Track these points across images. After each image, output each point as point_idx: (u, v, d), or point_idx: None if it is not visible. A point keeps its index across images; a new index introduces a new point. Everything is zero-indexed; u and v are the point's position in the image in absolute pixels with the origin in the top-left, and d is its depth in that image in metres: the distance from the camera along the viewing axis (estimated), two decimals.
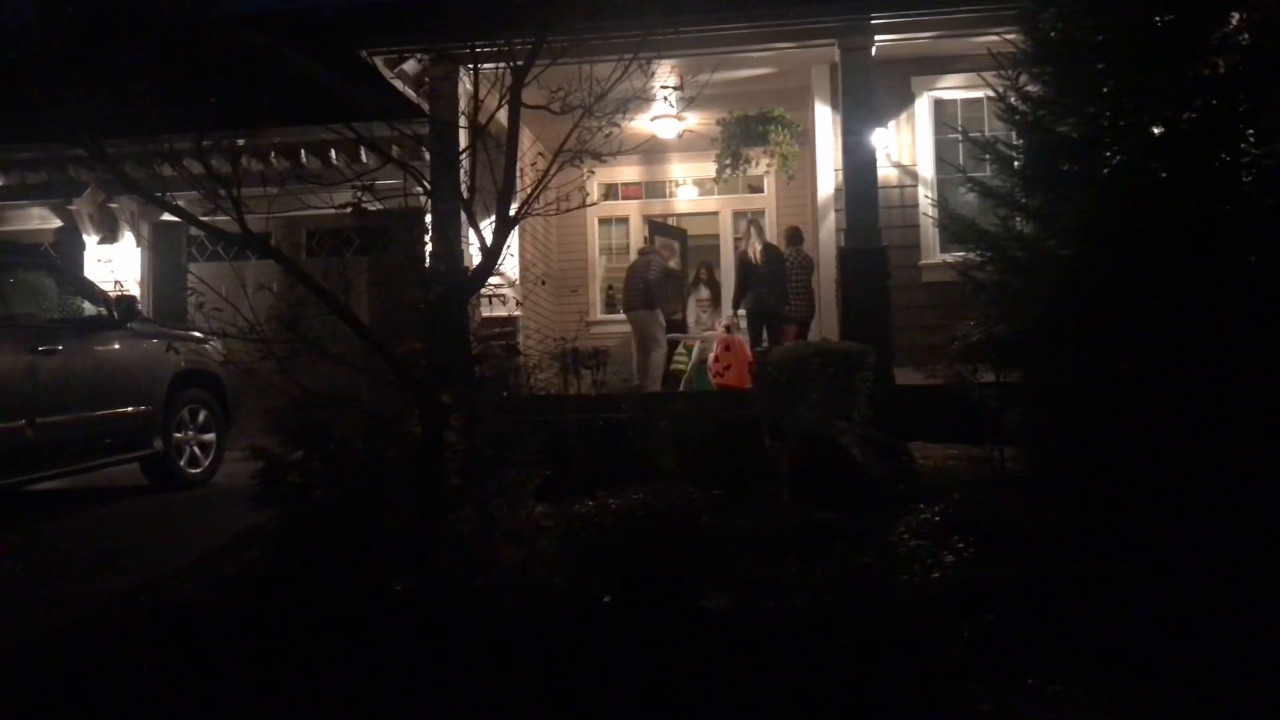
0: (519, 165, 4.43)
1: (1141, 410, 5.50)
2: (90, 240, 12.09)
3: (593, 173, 5.01)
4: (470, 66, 5.59)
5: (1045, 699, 4.32)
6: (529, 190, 4.40)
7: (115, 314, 7.73)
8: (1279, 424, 5.24)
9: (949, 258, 8.77)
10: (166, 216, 11.28)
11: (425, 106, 9.58)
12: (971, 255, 6.88)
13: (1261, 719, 4.10)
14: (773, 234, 11.86)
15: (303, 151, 10.98)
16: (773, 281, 10.36)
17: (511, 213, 4.32)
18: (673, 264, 12.34)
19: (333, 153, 10.94)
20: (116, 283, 7.55)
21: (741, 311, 10.75)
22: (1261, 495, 5.08)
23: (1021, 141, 6.64)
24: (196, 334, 8.17)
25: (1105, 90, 6.08)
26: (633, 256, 12.72)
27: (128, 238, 12.12)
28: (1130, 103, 6.00)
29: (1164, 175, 5.94)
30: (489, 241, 4.26)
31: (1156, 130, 6.00)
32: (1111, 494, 5.46)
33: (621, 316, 12.15)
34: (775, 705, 3.86)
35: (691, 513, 4.83)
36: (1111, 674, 4.46)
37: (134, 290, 11.25)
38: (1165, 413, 5.43)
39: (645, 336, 11.05)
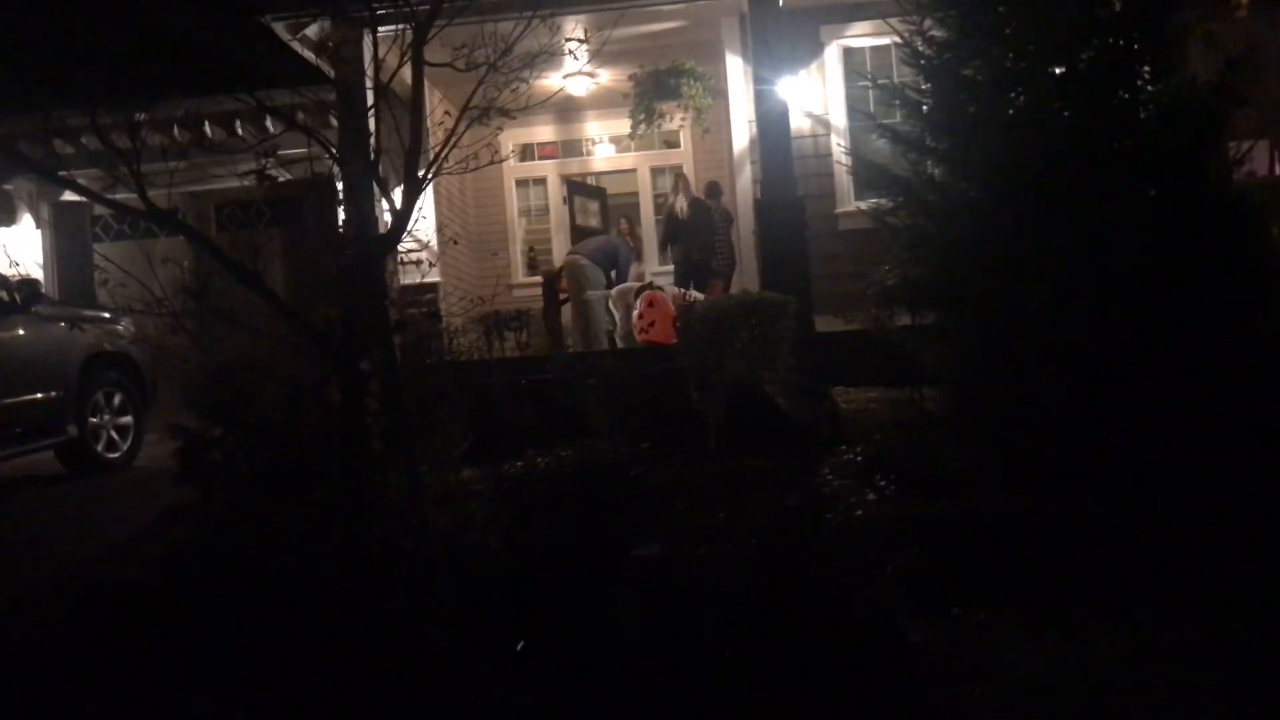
0: (427, 125, 4.37)
1: (1053, 347, 5.66)
2: None
3: (501, 129, 4.95)
4: (369, 29, 5.47)
5: (970, 627, 4.46)
6: (438, 149, 4.35)
7: (17, 298, 7.48)
8: (1185, 353, 5.44)
9: (863, 205, 8.87)
10: (68, 196, 10.91)
11: (330, 71, 9.35)
12: (885, 201, 6.95)
13: (1178, 648, 4.25)
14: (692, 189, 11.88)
15: (206, 123, 10.66)
16: (699, 237, 10.41)
17: (421, 172, 4.27)
18: (594, 222, 12.31)
19: (238, 123, 10.64)
20: (13, 264, 7.30)
21: (662, 269, 10.77)
22: (1168, 426, 5.27)
23: (929, 86, 6.69)
24: (105, 314, 7.94)
25: (1008, 32, 6.16)
26: (553, 217, 12.79)
27: (26, 219, 11.68)
28: (1031, 44, 6.10)
29: (1066, 115, 6.08)
30: (400, 204, 4.21)
31: (1057, 71, 6.13)
32: (1027, 430, 5.63)
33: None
34: (709, 646, 3.93)
35: (620, 466, 4.87)
36: (1032, 604, 4.60)
37: (36, 274, 10.86)
38: (1076, 348, 5.59)
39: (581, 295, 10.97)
